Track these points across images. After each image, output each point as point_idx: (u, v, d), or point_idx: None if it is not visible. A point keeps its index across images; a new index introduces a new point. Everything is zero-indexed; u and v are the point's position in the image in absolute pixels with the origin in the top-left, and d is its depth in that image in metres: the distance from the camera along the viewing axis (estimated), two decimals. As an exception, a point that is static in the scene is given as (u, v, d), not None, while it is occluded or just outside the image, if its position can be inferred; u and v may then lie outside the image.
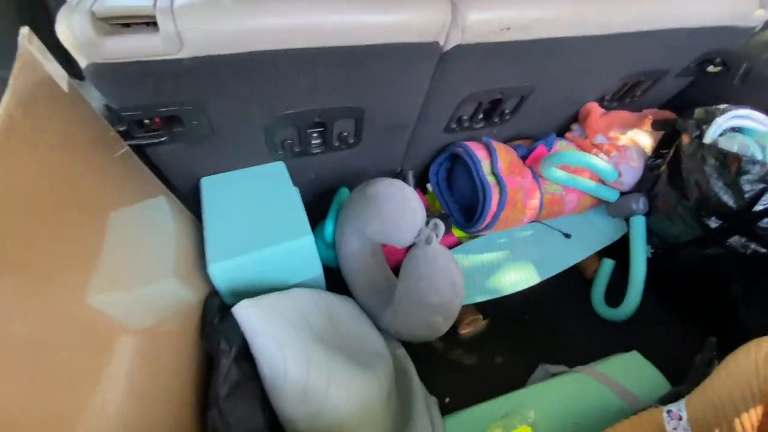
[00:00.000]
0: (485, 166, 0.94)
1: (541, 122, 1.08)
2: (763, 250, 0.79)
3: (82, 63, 0.52)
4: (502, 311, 0.98)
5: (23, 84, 0.41)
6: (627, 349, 0.88)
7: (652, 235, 1.00)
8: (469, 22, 0.65)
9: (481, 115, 0.95)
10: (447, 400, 0.84)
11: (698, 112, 0.93)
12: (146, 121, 0.63)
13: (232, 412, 0.54)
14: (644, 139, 1.03)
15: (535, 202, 0.98)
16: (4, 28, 0.59)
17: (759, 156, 0.80)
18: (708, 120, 0.88)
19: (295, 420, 0.57)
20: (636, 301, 0.95)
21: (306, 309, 0.69)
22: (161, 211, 0.68)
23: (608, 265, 1.05)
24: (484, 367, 0.92)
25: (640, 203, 0.99)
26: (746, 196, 0.78)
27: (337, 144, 0.84)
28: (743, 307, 0.82)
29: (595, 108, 1.05)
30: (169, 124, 0.65)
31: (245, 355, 0.59)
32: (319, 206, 0.96)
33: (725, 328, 0.78)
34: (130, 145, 0.61)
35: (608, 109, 1.10)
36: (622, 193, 1.05)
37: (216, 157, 0.78)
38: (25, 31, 0.44)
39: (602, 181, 1.03)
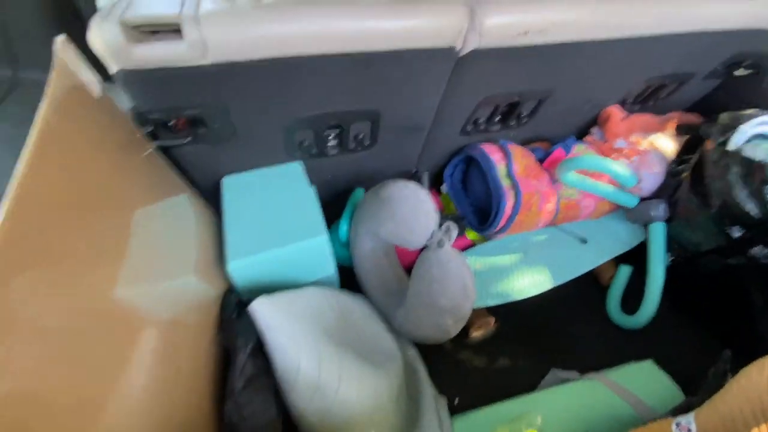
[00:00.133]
0: (500, 169, 0.94)
1: (560, 125, 1.07)
2: (788, 262, 0.77)
3: (112, 69, 0.54)
4: (514, 315, 0.98)
5: (59, 90, 0.44)
6: (641, 358, 0.87)
7: (671, 243, 0.97)
8: (486, 26, 0.65)
9: (497, 118, 0.95)
10: (456, 401, 0.84)
11: (723, 117, 0.90)
12: (171, 123, 0.66)
13: (247, 405, 0.56)
14: (667, 143, 1.01)
15: (550, 206, 0.97)
16: (41, 35, 0.63)
17: (786, 164, 0.77)
18: (733, 126, 0.86)
19: (306, 415, 0.59)
20: (653, 310, 0.93)
21: (319, 307, 0.70)
22: (183, 209, 0.71)
23: (625, 271, 1.03)
24: (495, 370, 0.92)
25: (660, 210, 0.97)
26: (771, 205, 0.76)
27: (353, 146, 0.86)
28: (763, 319, 0.80)
29: (615, 111, 1.03)
30: (193, 126, 0.68)
31: (260, 351, 0.61)
32: (334, 206, 0.98)
33: (743, 340, 0.76)
34: (156, 146, 0.64)
35: (630, 112, 1.07)
36: (642, 199, 1.03)
37: (237, 157, 0.80)
38: (60, 39, 0.47)
39: (621, 187, 1.01)
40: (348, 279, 0.91)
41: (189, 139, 0.69)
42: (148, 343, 0.50)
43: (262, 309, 0.61)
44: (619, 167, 0.94)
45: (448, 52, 0.67)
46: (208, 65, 0.56)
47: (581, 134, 1.12)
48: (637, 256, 1.02)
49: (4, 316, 0.32)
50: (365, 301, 0.88)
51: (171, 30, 0.54)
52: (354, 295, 0.86)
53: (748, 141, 0.84)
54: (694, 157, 0.93)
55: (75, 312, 0.41)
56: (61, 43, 0.46)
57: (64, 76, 0.45)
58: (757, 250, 0.80)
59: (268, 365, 0.61)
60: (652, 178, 0.99)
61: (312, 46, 0.59)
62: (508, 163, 0.94)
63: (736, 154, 0.80)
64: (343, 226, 0.94)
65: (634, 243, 1.05)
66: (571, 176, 0.94)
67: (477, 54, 0.69)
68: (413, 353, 0.86)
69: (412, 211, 0.76)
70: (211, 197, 0.82)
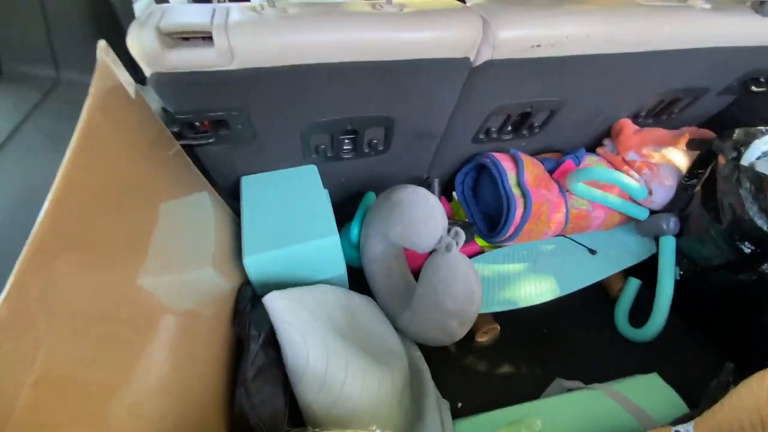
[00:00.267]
0: (511, 178, 0.95)
1: (571, 136, 1.08)
2: (800, 280, 0.76)
3: (147, 72, 0.59)
4: (521, 322, 0.98)
5: (101, 90, 0.48)
6: (647, 371, 0.86)
7: (681, 257, 0.97)
8: (499, 39, 0.67)
9: (509, 128, 0.97)
10: (459, 405, 0.85)
11: (738, 132, 0.90)
12: (197, 123, 0.70)
13: (258, 394, 0.59)
14: (679, 157, 1.01)
15: (560, 216, 0.98)
16: (81, 39, 0.67)
17: (799, 181, 0.77)
18: (747, 141, 0.86)
19: (313, 407, 0.61)
20: (661, 323, 0.93)
21: (329, 304, 0.73)
22: (204, 205, 0.75)
23: (634, 284, 1.03)
24: (499, 376, 0.93)
25: (670, 223, 0.97)
26: (783, 222, 0.76)
27: (367, 150, 0.89)
28: (773, 336, 0.80)
29: (627, 124, 1.04)
30: (217, 127, 0.72)
31: (272, 342, 0.63)
32: (347, 208, 1.01)
33: (751, 355, 0.75)
34: (181, 145, 0.68)
35: (643, 125, 1.08)
36: (653, 212, 1.03)
37: (256, 159, 0.84)
38: (102, 44, 0.51)
39: (632, 199, 1.01)
40: (357, 280, 0.93)
41: (213, 139, 0.73)
42: (168, 328, 0.53)
43: (275, 302, 0.64)
44: (629, 179, 0.95)
45: (462, 63, 0.70)
46: (234, 70, 0.60)
47: (593, 146, 1.13)
48: (646, 270, 1.02)
49: (48, 297, 0.35)
50: (372, 302, 0.91)
51: (201, 37, 0.58)
52: (362, 296, 0.89)
53: (761, 157, 0.84)
54: (706, 172, 0.93)
55: (105, 298, 0.44)
56: (103, 46, 0.50)
57: (105, 77, 0.49)
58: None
59: (278, 357, 0.63)
60: (664, 191, 0.99)
61: (332, 54, 0.62)
62: (519, 171, 0.96)
63: (749, 170, 0.81)
64: (354, 228, 0.97)
65: (644, 256, 1.05)
66: (581, 187, 0.95)
67: (490, 65, 0.71)
68: (418, 355, 0.88)
69: (421, 214, 0.78)
70: (231, 195, 0.85)
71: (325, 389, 0.61)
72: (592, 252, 1.05)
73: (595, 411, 0.79)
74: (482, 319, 0.95)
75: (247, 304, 0.68)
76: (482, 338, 0.97)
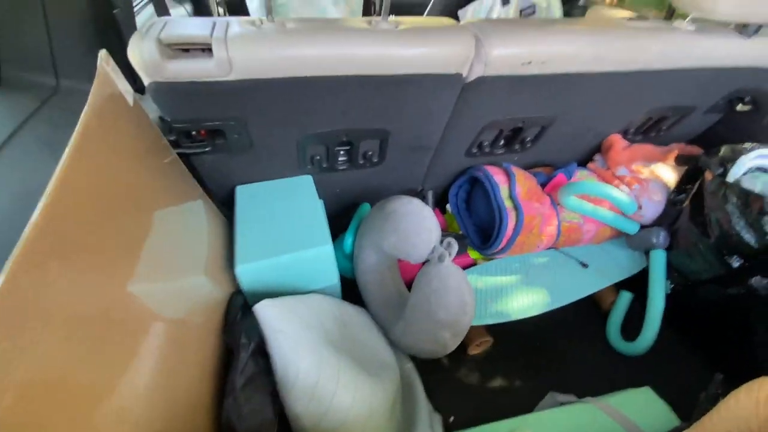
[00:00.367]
0: (503, 191, 0.97)
1: (563, 151, 1.10)
2: (787, 293, 0.77)
3: (146, 81, 0.60)
4: (514, 336, 0.98)
5: (99, 97, 0.49)
6: (639, 384, 0.86)
7: (672, 271, 0.98)
8: (491, 56, 0.69)
9: (502, 142, 0.99)
10: (452, 419, 0.84)
11: (724, 149, 0.92)
12: (193, 132, 0.71)
13: (246, 404, 0.58)
14: (668, 173, 1.03)
15: (551, 229, 0.99)
16: (81, 49, 0.69)
17: (784, 197, 0.79)
18: (733, 158, 0.88)
19: (302, 418, 0.60)
20: (652, 337, 0.93)
21: (321, 313, 0.73)
22: (198, 213, 0.75)
23: (626, 297, 1.04)
24: (492, 389, 0.92)
25: (660, 237, 0.99)
26: (769, 236, 0.77)
27: (362, 162, 0.90)
28: (763, 348, 0.80)
29: (617, 140, 1.06)
30: (213, 136, 0.73)
31: (262, 351, 0.63)
32: (341, 219, 1.02)
33: (742, 369, 0.76)
34: (178, 153, 0.69)
35: (632, 142, 1.10)
36: (643, 226, 1.04)
37: (251, 168, 0.85)
38: (103, 53, 0.52)
39: (622, 213, 1.03)
40: (351, 291, 0.93)
41: (209, 148, 0.74)
42: (158, 334, 0.53)
43: (266, 311, 0.64)
44: (619, 193, 0.96)
45: (455, 79, 0.72)
46: (232, 81, 0.61)
47: (584, 161, 1.15)
48: (637, 283, 1.03)
49: (39, 298, 0.35)
50: (365, 313, 0.90)
51: (201, 49, 0.59)
52: (355, 306, 0.89)
53: (747, 173, 0.86)
54: (694, 188, 0.95)
55: (96, 302, 0.44)
56: (103, 55, 0.51)
57: (105, 85, 0.50)
58: (756, 280, 0.80)
59: (268, 366, 0.63)
60: (653, 206, 1.01)
61: (328, 68, 0.64)
62: (511, 185, 0.97)
63: (735, 186, 0.82)
64: (349, 239, 0.97)
65: (635, 270, 1.06)
66: (572, 200, 0.97)
67: (482, 81, 0.73)
68: (410, 367, 0.87)
69: (414, 225, 0.79)
70: (226, 204, 0.86)
71: (315, 400, 0.61)
72: (584, 265, 1.06)
73: (587, 425, 0.78)
74: (475, 331, 0.95)
75: (238, 313, 0.67)
76: (475, 351, 0.97)
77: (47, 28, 0.64)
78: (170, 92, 0.61)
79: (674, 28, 0.83)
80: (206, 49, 0.58)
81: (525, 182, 0.99)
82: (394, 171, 0.96)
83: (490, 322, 0.94)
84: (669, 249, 1.00)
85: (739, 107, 1.04)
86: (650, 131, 1.11)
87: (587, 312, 1.07)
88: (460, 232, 1.11)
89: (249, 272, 0.71)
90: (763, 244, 0.78)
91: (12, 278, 0.32)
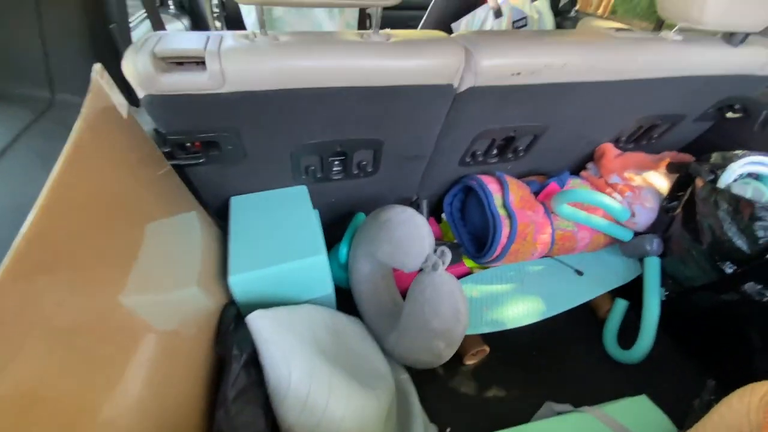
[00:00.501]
0: (497, 199, 0.97)
1: (555, 160, 1.11)
2: (781, 299, 0.78)
3: (140, 94, 0.61)
4: (510, 345, 0.98)
5: (92, 110, 0.49)
6: (636, 392, 0.86)
7: (666, 278, 0.98)
8: (481, 67, 0.70)
9: (495, 151, 1.00)
10: (448, 430, 0.84)
11: (715, 156, 0.94)
12: (188, 144, 0.72)
13: (238, 416, 0.58)
14: (660, 181, 1.04)
15: (545, 236, 1.00)
16: (76, 63, 0.70)
17: (774, 203, 0.79)
18: (724, 165, 0.89)
19: (295, 428, 0.60)
20: (648, 344, 0.93)
21: (314, 324, 0.72)
22: (192, 224, 0.75)
23: (621, 305, 1.04)
24: (488, 399, 0.91)
25: (654, 244, 0.99)
26: (760, 242, 0.77)
27: (356, 172, 0.91)
28: (758, 354, 0.80)
29: (609, 148, 1.08)
30: (207, 148, 0.73)
31: (254, 363, 0.63)
32: (336, 229, 1.02)
33: (737, 375, 0.75)
34: (172, 165, 0.69)
35: (624, 150, 1.12)
36: (637, 234, 1.05)
37: (246, 179, 0.85)
38: (97, 67, 0.53)
39: (616, 221, 1.03)
40: (346, 301, 0.93)
41: (203, 160, 0.74)
42: (149, 346, 0.53)
43: (258, 321, 0.64)
44: (611, 201, 0.97)
45: (446, 89, 0.73)
46: (225, 93, 0.62)
47: (577, 169, 1.16)
48: (633, 291, 1.03)
49: (22, 313, 0.35)
50: (360, 323, 0.90)
51: (194, 62, 0.60)
52: (349, 317, 0.88)
53: (737, 179, 0.87)
54: (686, 195, 0.95)
55: (84, 314, 0.44)
56: (98, 69, 0.52)
57: (98, 98, 0.50)
58: (749, 286, 0.80)
59: (260, 378, 0.62)
60: (646, 213, 1.01)
61: (321, 80, 0.65)
62: (505, 193, 0.98)
63: (725, 192, 0.83)
64: (343, 249, 0.97)
65: (630, 277, 1.06)
66: (565, 208, 0.97)
67: (473, 91, 0.74)
68: (405, 378, 0.87)
69: (408, 234, 0.79)
70: (220, 215, 0.86)
71: (307, 411, 0.60)
72: (579, 273, 1.06)
73: (584, 435, 0.77)
74: (471, 340, 0.94)
75: (231, 324, 0.67)
76: (471, 360, 0.96)
77: (43, 43, 0.65)
78: (164, 105, 0.62)
79: (661, 39, 0.84)
80: (200, 63, 0.59)
81: (518, 191, 1.00)
82: (389, 180, 0.97)
83: (486, 330, 0.94)
84: (663, 256, 1.00)
85: (729, 115, 1.06)
86: (642, 139, 1.12)
87: (583, 320, 1.06)
88: (455, 241, 1.11)
89: (242, 282, 0.71)
90: (756, 249, 0.78)
91: (0, 288, 0.32)
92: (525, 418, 0.85)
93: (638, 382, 0.89)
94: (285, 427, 0.61)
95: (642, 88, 0.87)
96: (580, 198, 0.98)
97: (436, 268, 0.76)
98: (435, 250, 0.79)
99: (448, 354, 0.78)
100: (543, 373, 0.96)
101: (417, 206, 1.07)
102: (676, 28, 0.85)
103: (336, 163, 0.89)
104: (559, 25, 1.50)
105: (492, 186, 0.99)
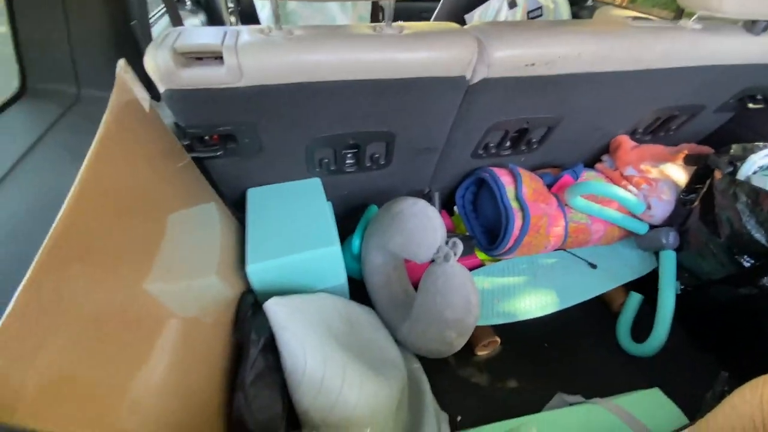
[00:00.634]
0: (509, 192, 0.97)
1: (569, 152, 1.10)
2: (801, 294, 0.76)
3: (161, 88, 0.63)
4: (522, 336, 0.98)
5: (118, 104, 0.51)
6: (649, 385, 0.86)
7: (682, 271, 0.97)
8: (494, 58, 0.70)
9: (508, 143, 0.99)
10: (459, 418, 0.85)
11: (735, 148, 0.92)
12: (206, 137, 0.74)
13: (256, 399, 0.60)
14: (677, 173, 1.02)
15: (558, 229, 0.99)
16: (101, 59, 0.72)
17: (795, 195, 0.78)
18: (743, 156, 0.87)
19: (309, 412, 0.62)
20: (662, 338, 0.92)
21: (328, 312, 0.74)
22: (211, 215, 0.78)
23: (635, 299, 1.03)
24: (499, 389, 0.92)
25: (670, 237, 0.98)
26: (780, 235, 0.76)
27: (369, 164, 0.92)
28: (775, 350, 0.79)
29: (625, 140, 1.06)
30: (225, 141, 0.75)
31: (271, 348, 0.65)
32: (349, 221, 1.03)
33: (754, 368, 0.74)
34: (191, 158, 0.72)
35: (641, 142, 1.10)
36: (653, 227, 1.04)
37: (262, 171, 0.87)
38: (122, 62, 0.55)
39: (631, 213, 1.02)
40: (359, 292, 0.95)
41: (221, 152, 0.76)
42: (171, 332, 0.55)
43: (275, 308, 0.66)
44: (626, 193, 0.96)
45: (459, 81, 0.73)
46: (243, 87, 0.64)
47: (592, 162, 1.15)
48: (647, 284, 1.02)
49: (59, 299, 0.37)
50: (373, 312, 0.92)
51: (213, 57, 0.62)
52: (362, 306, 0.90)
53: (757, 171, 0.85)
54: (704, 187, 0.94)
55: (111, 301, 0.46)
56: (122, 64, 0.54)
57: (123, 92, 0.53)
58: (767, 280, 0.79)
59: (277, 362, 0.65)
60: (662, 206, 1.00)
61: (335, 73, 0.66)
62: (518, 185, 0.98)
63: (745, 184, 0.81)
64: (356, 240, 0.99)
65: (645, 271, 1.05)
66: (579, 201, 0.97)
67: (486, 83, 0.74)
68: (417, 367, 0.88)
69: (420, 225, 0.80)
70: (237, 207, 0.89)
71: (322, 396, 0.62)
72: (593, 266, 1.06)
73: (595, 425, 0.78)
74: (482, 331, 0.95)
75: (249, 311, 0.70)
76: (482, 351, 0.97)
77: (70, 40, 0.68)
78: (184, 99, 0.64)
79: (680, 27, 0.82)
80: (218, 57, 0.61)
81: (531, 183, 1.00)
82: (401, 173, 0.98)
83: (497, 322, 0.94)
84: (679, 249, 0.99)
85: (751, 105, 1.03)
86: (659, 131, 1.10)
87: (596, 313, 1.06)
88: (467, 234, 1.11)
89: (259, 271, 0.73)
90: (775, 243, 0.77)
91: (36, 276, 0.34)
92: (536, 409, 0.85)
93: (651, 375, 0.89)
94: (301, 410, 0.63)
95: (660, 78, 0.86)
96: (594, 190, 0.97)
97: (448, 259, 0.77)
98: (447, 242, 0.80)
99: (459, 343, 0.79)
100: (554, 365, 0.97)
101: (429, 199, 1.08)
102: (695, 16, 0.83)
103: (349, 155, 0.90)
104: (575, 15, 1.48)
105: (505, 178, 0.99)
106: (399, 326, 0.86)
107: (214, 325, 0.67)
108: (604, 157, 1.13)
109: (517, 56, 0.72)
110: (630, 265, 1.06)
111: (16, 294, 0.32)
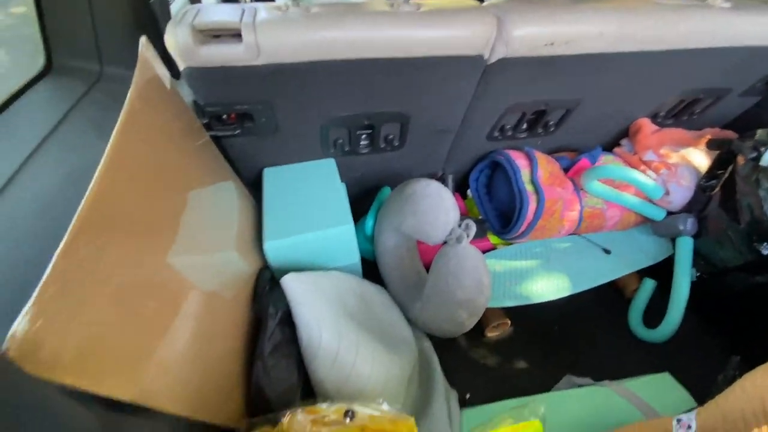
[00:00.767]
0: (524, 175, 0.97)
1: (587, 135, 1.08)
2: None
3: (181, 66, 0.64)
4: (533, 319, 0.99)
5: (141, 81, 0.53)
6: (659, 370, 0.86)
7: (699, 258, 0.96)
8: (513, 37, 0.69)
9: (524, 126, 0.98)
10: (468, 396, 0.87)
11: (759, 133, 0.89)
12: (224, 116, 0.75)
13: (273, 369, 0.63)
14: (699, 158, 1.00)
15: (573, 214, 0.99)
16: (122, 37, 0.74)
17: (821, 182, 0.76)
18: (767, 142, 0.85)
19: (324, 383, 0.64)
20: (675, 324, 0.92)
21: (343, 289, 0.76)
22: (229, 193, 0.79)
23: (649, 285, 1.02)
24: (508, 370, 0.94)
25: (687, 224, 0.96)
26: (802, 222, 0.74)
27: (383, 145, 0.92)
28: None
29: (646, 124, 1.04)
30: (242, 120, 0.76)
31: (288, 321, 0.67)
32: (362, 202, 1.04)
33: (764, 355, 0.74)
34: (210, 136, 0.73)
35: (663, 126, 1.07)
36: (670, 213, 1.02)
37: (278, 151, 0.88)
38: (143, 40, 0.56)
39: (648, 199, 1.01)
40: (372, 272, 0.96)
41: (238, 131, 0.77)
42: (193, 303, 0.57)
43: (291, 284, 0.68)
44: (644, 178, 0.94)
45: (476, 60, 0.72)
46: (260, 66, 0.64)
47: (610, 146, 1.13)
48: (662, 270, 1.01)
49: (94, 266, 0.39)
50: (385, 292, 0.94)
51: (231, 35, 0.62)
52: (375, 285, 0.92)
53: (783, 157, 0.83)
54: (726, 173, 0.92)
55: (138, 272, 0.48)
56: (144, 42, 0.55)
57: (146, 70, 0.54)
58: (787, 269, 0.78)
59: (293, 335, 0.67)
60: (681, 191, 0.98)
61: (351, 51, 0.66)
62: (533, 169, 0.97)
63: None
64: (369, 221, 1.00)
65: (660, 257, 1.04)
66: (596, 185, 0.96)
67: (504, 62, 0.73)
68: (428, 345, 0.90)
69: (433, 207, 0.81)
70: (253, 185, 0.90)
71: (336, 368, 0.64)
72: (607, 251, 1.05)
73: (603, 406, 0.79)
74: (492, 313, 0.96)
75: (266, 286, 0.72)
76: (492, 333, 0.98)
77: (92, 19, 0.69)
78: (203, 77, 0.65)
79: (707, 5, 0.79)
80: (236, 35, 0.61)
81: (547, 166, 0.99)
82: (415, 155, 0.98)
83: (509, 304, 0.95)
84: (697, 236, 0.97)
85: (780, 88, 0.99)
86: (682, 114, 1.07)
87: (608, 299, 1.06)
88: (480, 217, 1.11)
89: (276, 248, 0.75)
90: (797, 230, 0.75)
91: (71, 243, 0.36)
92: (544, 390, 0.87)
93: (661, 360, 0.89)
94: (316, 381, 0.65)
95: (685, 59, 0.83)
96: (611, 174, 0.96)
97: (461, 241, 0.77)
98: (459, 224, 0.80)
99: (470, 323, 0.80)
100: (564, 348, 0.97)
101: (443, 181, 1.08)
102: (725, -7, 0.80)
103: (363, 136, 0.90)
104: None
105: (520, 161, 0.98)
106: (411, 306, 0.87)
107: (234, 299, 0.69)
108: (623, 141, 1.11)
109: (536, 34, 0.70)
110: (645, 251, 1.05)
111: (54, 259, 0.34)
